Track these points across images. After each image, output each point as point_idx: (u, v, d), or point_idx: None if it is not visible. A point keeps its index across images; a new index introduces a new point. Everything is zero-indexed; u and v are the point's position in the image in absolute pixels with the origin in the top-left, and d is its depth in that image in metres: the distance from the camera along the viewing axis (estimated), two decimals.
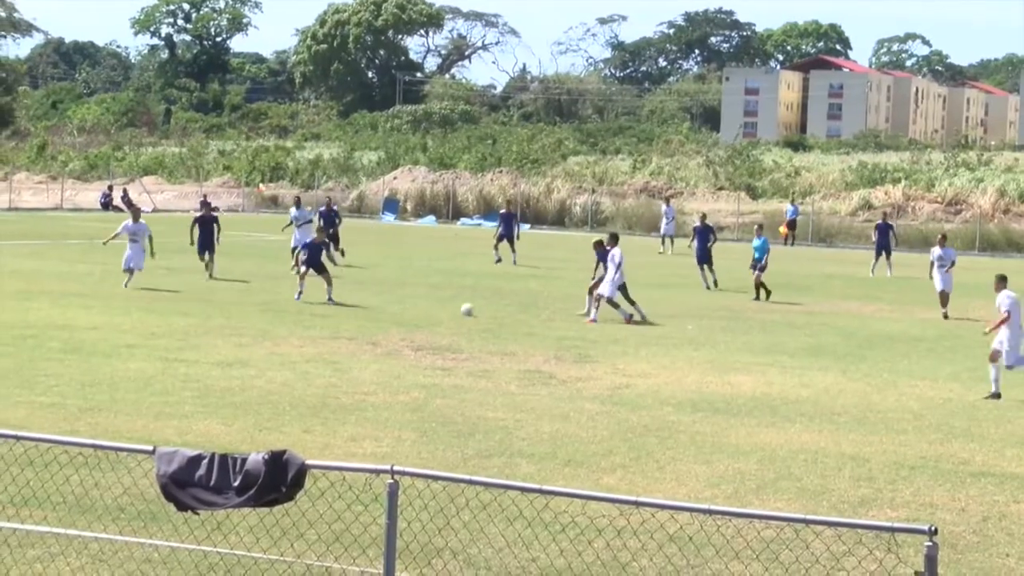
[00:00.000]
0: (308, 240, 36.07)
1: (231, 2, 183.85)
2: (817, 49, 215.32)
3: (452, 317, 32.29)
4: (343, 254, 44.89)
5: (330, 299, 33.86)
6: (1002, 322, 23.83)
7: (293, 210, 45.60)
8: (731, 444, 18.73)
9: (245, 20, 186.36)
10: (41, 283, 35.68)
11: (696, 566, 12.75)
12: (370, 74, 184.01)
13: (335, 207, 46.31)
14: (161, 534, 12.68)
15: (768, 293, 38.74)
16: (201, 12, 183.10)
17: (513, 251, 49.41)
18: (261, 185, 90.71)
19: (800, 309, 37.27)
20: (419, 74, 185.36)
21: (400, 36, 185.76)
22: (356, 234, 63.75)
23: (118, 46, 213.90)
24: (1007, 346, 23.69)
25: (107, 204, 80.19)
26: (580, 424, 19.73)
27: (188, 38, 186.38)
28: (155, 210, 76.79)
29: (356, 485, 13.06)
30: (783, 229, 68.28)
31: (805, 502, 15.57)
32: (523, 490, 10.33)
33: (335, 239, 44.91)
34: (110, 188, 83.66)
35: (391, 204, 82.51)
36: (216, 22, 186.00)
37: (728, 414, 20.99)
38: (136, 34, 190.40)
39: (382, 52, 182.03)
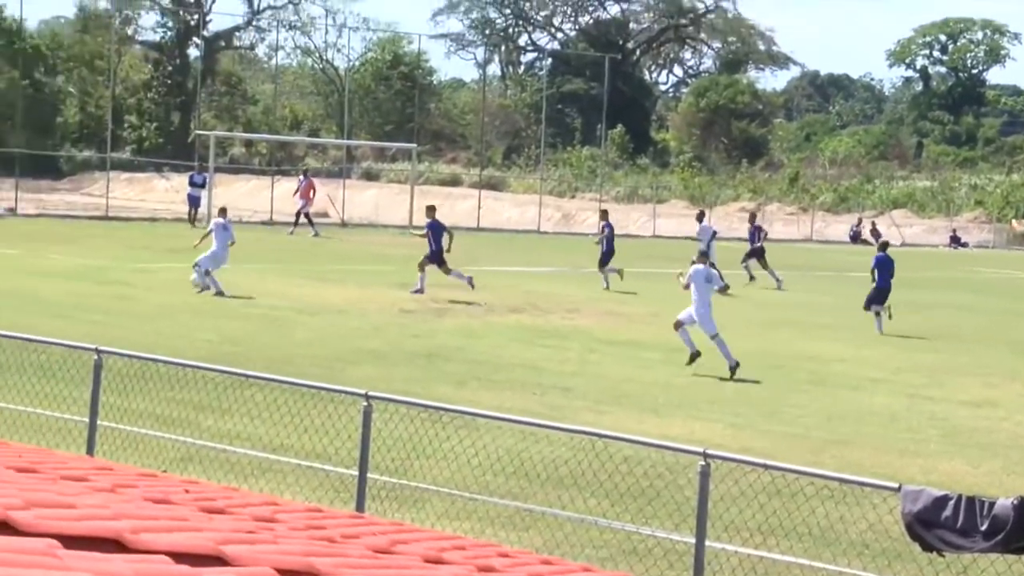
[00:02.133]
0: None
1: (989, 33, 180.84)
2: None
3: None
4: (621, 276, 39.31)
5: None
6: None
7: None
8: None
9: (1003, 52, 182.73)
10: (788, 313, 36.36)
11: None
12: None
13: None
14: (905, 573, 12.60)
15: None
16: (958, 44, 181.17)
17: None
18: (1014, 221, 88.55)
19: None
20: None
21: None
22: None
23: (872, 78, 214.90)
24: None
25: (856, 237, 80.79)
26: None
27: (943, 70, 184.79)
28: (903, 244, 76.55)
29: None
30: None
31: None
32: None
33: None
34: (859, 221, 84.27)
35: None
36: (973, 53, 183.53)
37: None
38: (891, 66, 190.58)
39: None
